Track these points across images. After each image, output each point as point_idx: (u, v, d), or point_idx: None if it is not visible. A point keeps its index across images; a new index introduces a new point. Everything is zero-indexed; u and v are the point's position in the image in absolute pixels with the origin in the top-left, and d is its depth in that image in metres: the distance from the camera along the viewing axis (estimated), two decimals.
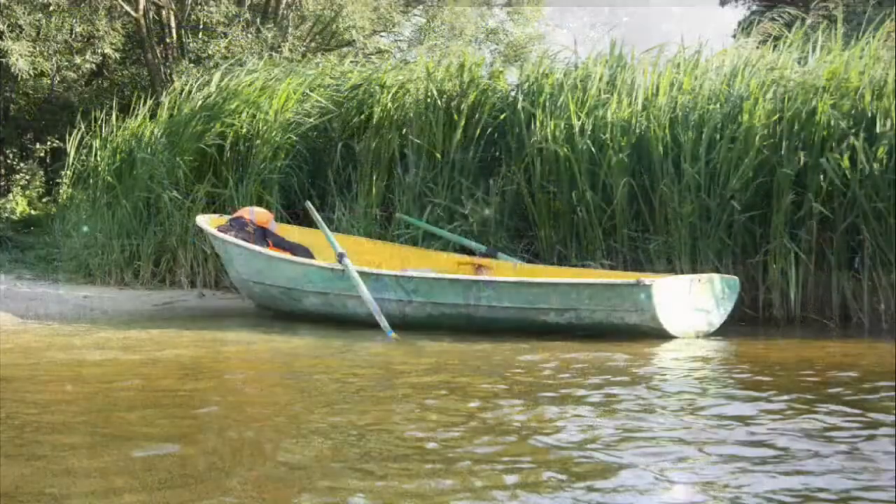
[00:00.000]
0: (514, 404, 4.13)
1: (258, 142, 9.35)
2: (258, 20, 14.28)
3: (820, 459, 3.20)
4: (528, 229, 8.53)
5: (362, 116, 9.54)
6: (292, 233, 8.57)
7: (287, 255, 7.78)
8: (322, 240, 7.79)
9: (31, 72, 13.24)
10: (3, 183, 14.81)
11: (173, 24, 14.71)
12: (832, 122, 7.32)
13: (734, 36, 13.00)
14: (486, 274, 7.72)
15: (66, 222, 10.63)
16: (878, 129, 7.22)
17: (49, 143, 15.00)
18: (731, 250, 7.54)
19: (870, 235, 7.15)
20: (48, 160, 15.21)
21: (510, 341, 6.23)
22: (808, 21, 8.84)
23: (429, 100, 8.97)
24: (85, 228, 9.75)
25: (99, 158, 10.28)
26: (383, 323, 6.64)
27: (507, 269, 7.74)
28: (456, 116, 8.81)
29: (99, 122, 10.52)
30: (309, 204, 7.77)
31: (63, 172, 11.56)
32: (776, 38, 9.06)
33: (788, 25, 9.24)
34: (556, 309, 6.57)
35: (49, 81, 15.24)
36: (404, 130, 9.13)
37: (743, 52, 8.66)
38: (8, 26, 13.00)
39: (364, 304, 6.87)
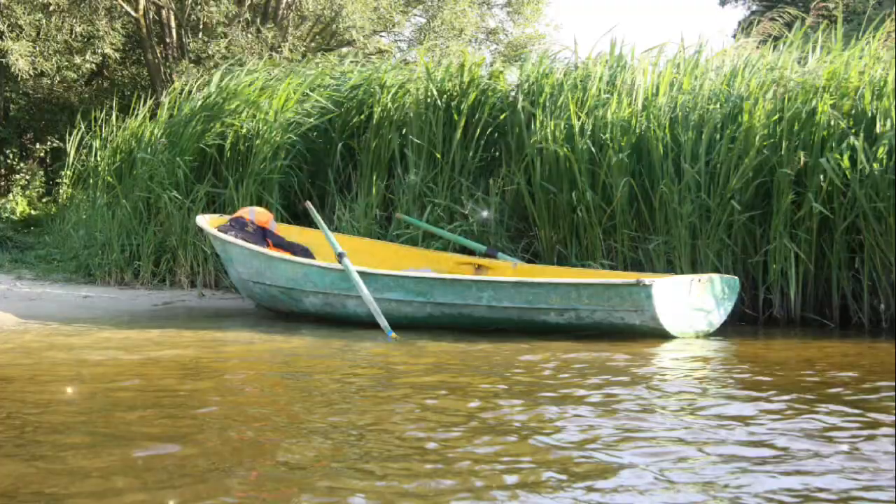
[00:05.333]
0: (514, 404, 4.13)
1: (258, 142, 9.35)
2: (258, 20, 14.29)
3: (820, 459, 3.20)
4: (529, 229, 8.53)
5: (362, 116, 9.55)
6: (292, 233, 8.57)
7: (287, 255, 7.77)
8: (322, 240, 7.79)
9: (31, 72, 13.25)
10: (3, 183, 14.81)
11: (173, 24, 14.72)
12: (832, 122, 7.32)
13: (734, 36, 13.01)
14: (485, 274, 7.72)
15: (66, 222, 10.64)
16: (878, 129, 7.22)
17: (49, 143, 15.00)
18: (731, 250, 7.54)
19: (870, 235, 7.15)
20: (48, 160, 15.21)
21: (510, 341, 6.23)
22: (808, 21, 8.84)
23: (429, 100, 8.97)
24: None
25: (99, 158, 10.29)
26: (383, 323, 6.64)
27: (507, 269, 7.74)
28: (456, 116, 8.82)
29: (99, 122, 10.53)
30: (309, 204, 7.77)
31: (63, 172, 11.57)
32: (776, 38, 9.06)
33: (788, 25, 9.24)
34: (556, 309, 6.57)
35: (49, 81, 15.24)
36: (404, 130, 9.14)
37: (743, 52, 8.66)
38: (8, 26, 13.00)
39: (364, 304, 6.87)
